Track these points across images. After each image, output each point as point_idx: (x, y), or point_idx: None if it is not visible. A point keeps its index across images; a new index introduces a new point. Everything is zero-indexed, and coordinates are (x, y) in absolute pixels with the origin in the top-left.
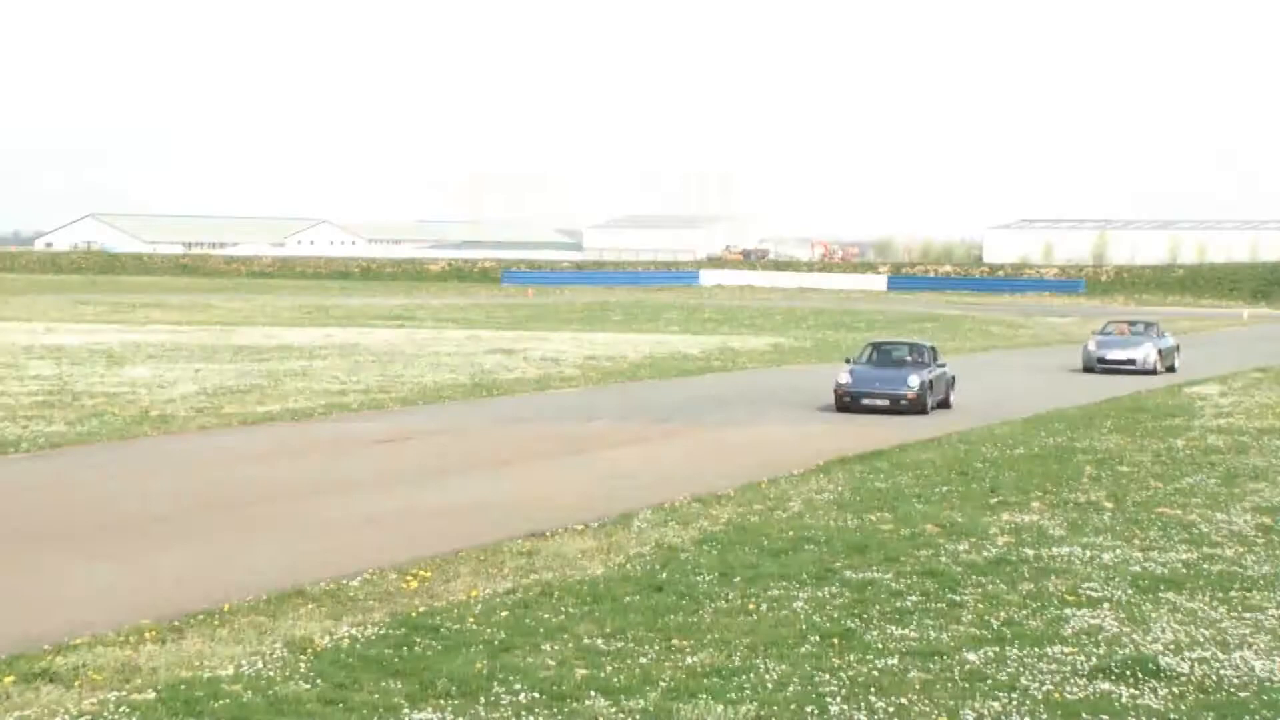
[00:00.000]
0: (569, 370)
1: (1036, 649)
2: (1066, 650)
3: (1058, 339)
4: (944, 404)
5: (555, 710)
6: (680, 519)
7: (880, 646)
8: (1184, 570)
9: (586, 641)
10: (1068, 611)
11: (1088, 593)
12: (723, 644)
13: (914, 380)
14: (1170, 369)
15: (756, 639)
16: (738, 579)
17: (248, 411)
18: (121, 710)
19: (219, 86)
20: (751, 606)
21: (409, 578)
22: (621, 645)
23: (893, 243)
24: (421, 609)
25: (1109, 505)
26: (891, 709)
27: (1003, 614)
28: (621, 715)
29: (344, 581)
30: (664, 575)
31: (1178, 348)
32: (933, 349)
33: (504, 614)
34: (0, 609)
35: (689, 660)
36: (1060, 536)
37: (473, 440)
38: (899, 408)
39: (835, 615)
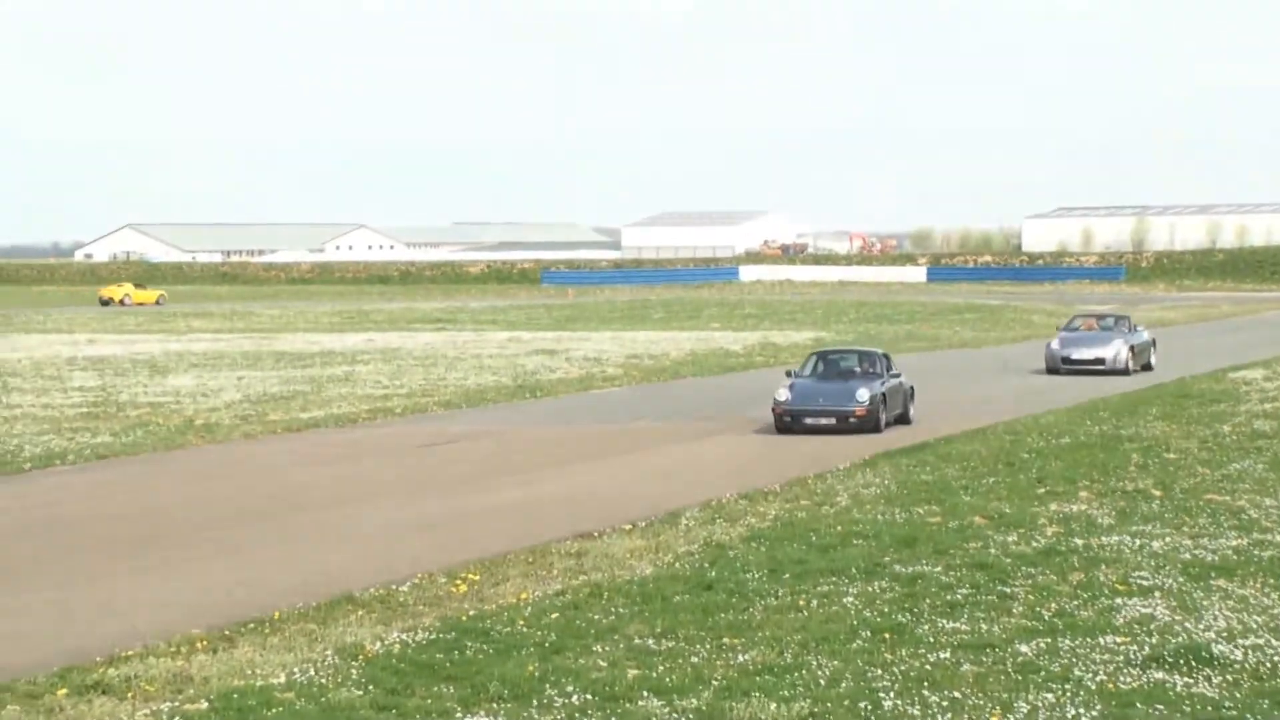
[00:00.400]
0: (611, 370)
1: (1089, 639)
2: (1119, 640)
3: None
4: (902, 419)
5: (608, 712)
6: (728, 516)
7: (932, 640)
8: (1234, 557)
9: (637, 642)
10: (1119, 601)
11: (1138, 581)
12: (774, 641)
13: (864, 394)
14: (1146, 367)
15: (807, 635)
16: (787, 575)
17: (292, 418)
18: None
19: (254, 94)
20: (801, 603)
21: (458, 581)
22: (672, 645)
23: (931, 234)
24: (471, 613)
25: (1157, 493)
26: (945, 703)
27: (1054, 605)
28: (674, 715)
29: (393, 587)
30: (713, 573)
31: (1154, 343)
32: (885, 357)
33: (554, 616)
34: (51, 621)
35: (740, 658)
36: (1109, 525)
37: (517, 442)
38: (847, 426)
39: (886, 610)
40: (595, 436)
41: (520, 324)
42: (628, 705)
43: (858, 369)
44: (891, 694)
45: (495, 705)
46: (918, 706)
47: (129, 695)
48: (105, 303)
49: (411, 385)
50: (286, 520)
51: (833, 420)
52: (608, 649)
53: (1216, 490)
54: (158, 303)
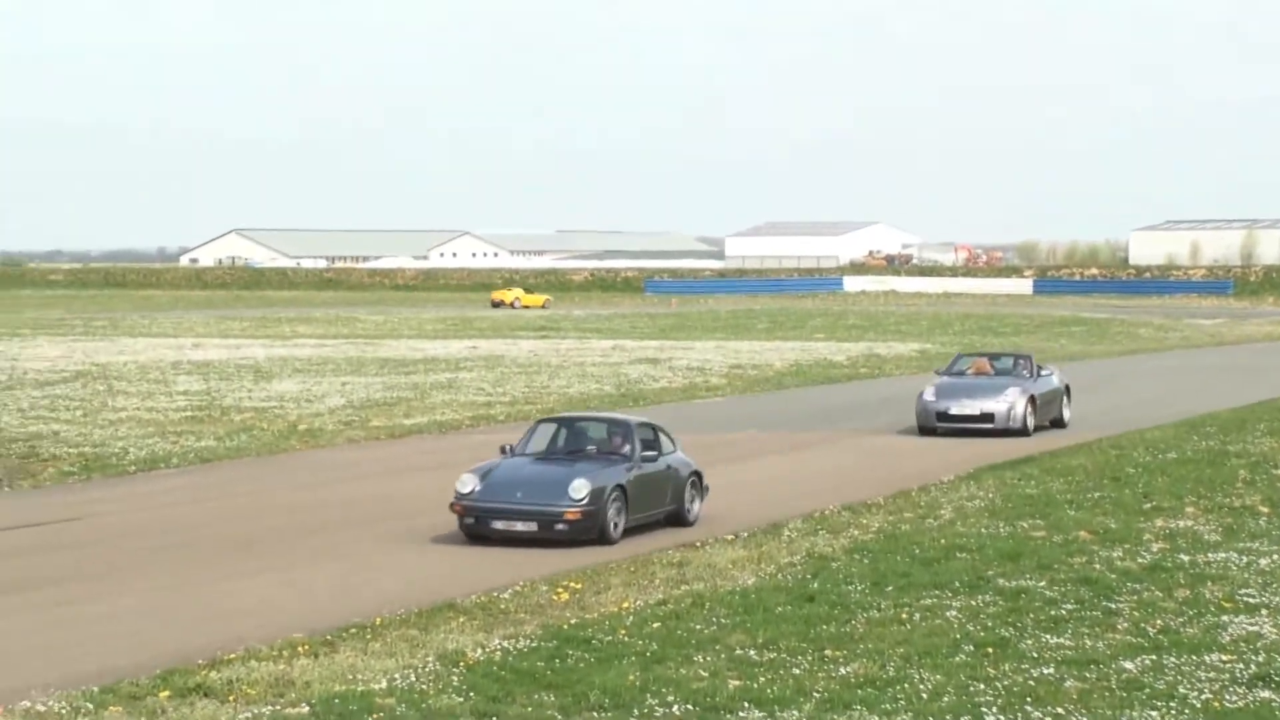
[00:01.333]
0: (715, 379)
1: (1194, 657)
2: (1225, 658)
3: (1207, 341)
4: (676, 518)
5: None
6: (830, 528)
7: (1036, 655)
8: None
9: (739, 652)
10: (1225, 618)
11: (1245, 599)
12: (876, 654)
13: (580, 487)
14: (1056, 423)
15: (910, 649)
16: (890, 588)
17: (395, 424)
18: None
19: (357, 100)
20: (904, 616)
21: (560, 590)
22: (774, 656)
23: (1036, 246)
24: (573, 621)
25: (1265, 509)
26: (1048, 718)
27: (1159, 621)
28: None
29: (494, 594)
30: (815, 585)
31: (1066, 390)
32: (653, 428)
33: (655, 625)
34: (154, 623)
35: (842, 671)
36: (1216, 542)
37: None
38: (553, 535)
39: (989, 624)
40: (697, 446)
41: (623, 332)
42: (728, 716)
43: (595, 442)
44: (994, 709)
45: (596, 714)
46: None
47: (230, 698)
48: (496, 305)
49: (514, 393)
50: (387, 526)
51: (534, 526)
52: (709, 659)
53: None
54: (544, 306)
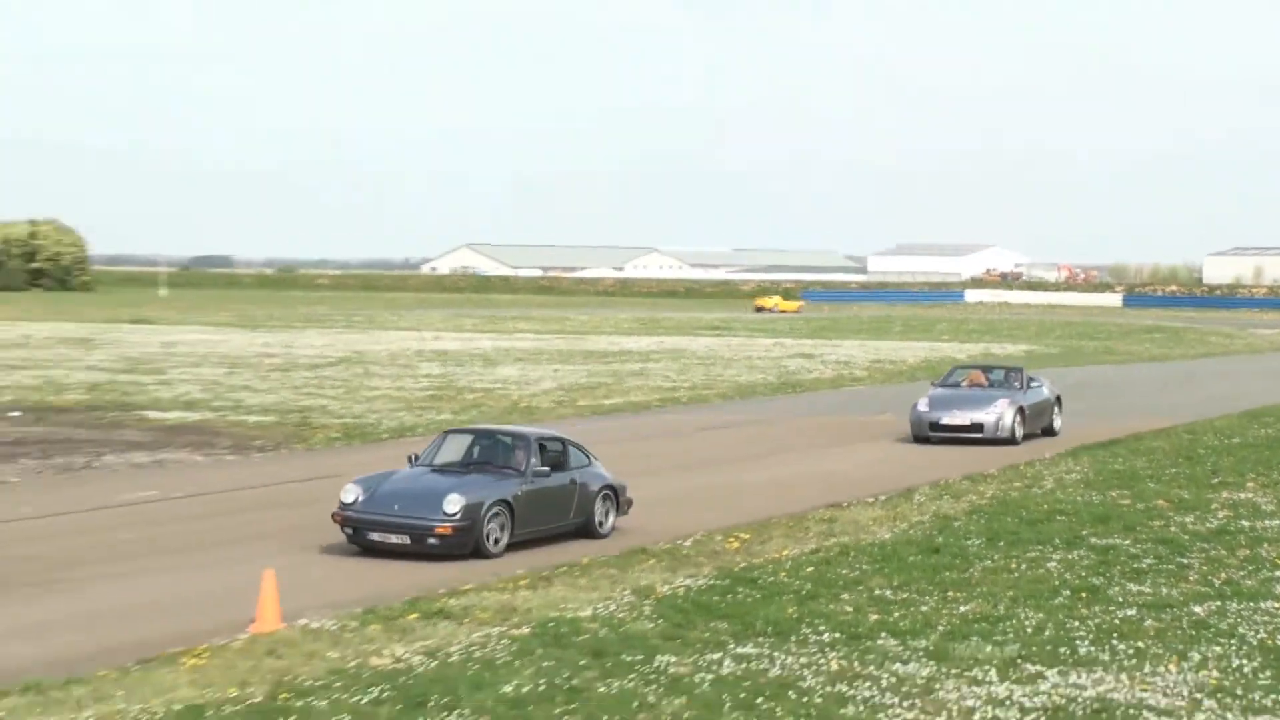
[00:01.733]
0: (858, 371)
1: (1252, 604)
2: (1277, 605)
3: (1266, 347)
4: (586, 531)
5: (853, 648)
6: (953, 494)
7: (1120, 600)
8: None
9: (877, 592)
10: (1278, 574)
11: None
12: (990, 596)
13: (454, 501)
14: (1047, 431)
15: (1018, 592)
16: (1001, 543)
17: (597, 404)
18: (503, 642)
19: (570, 133)
20: (1013, 566)
21: (731, 539)
22: (906, 596)
23: (1126, 267)
24: (742, 565)
25: None
26: (1130, 650)
27: (1223, 574)
28: (907, 652)
29: (678, 543)
30: (940, 539)
31: (1058, 400)
32: (562, 443)
33: (809, 569)
34: (404, 560)
35: (962, 609)
36: (1272, 511)
37: (780, 428)
38: (426, 549)
39: (1083, 574)
40: (844, 426)
41: (783, 332)
42: (869, 643)
43: (491, 454)
44: (1086, 642)
45: (761, 639)
46: (1107, 653)
47: (465, 620)
48: (759, 309)
49: (694, 380)
50: None
51: (406, 539)
52: (853, 597)
53: None
54: (798, 311)
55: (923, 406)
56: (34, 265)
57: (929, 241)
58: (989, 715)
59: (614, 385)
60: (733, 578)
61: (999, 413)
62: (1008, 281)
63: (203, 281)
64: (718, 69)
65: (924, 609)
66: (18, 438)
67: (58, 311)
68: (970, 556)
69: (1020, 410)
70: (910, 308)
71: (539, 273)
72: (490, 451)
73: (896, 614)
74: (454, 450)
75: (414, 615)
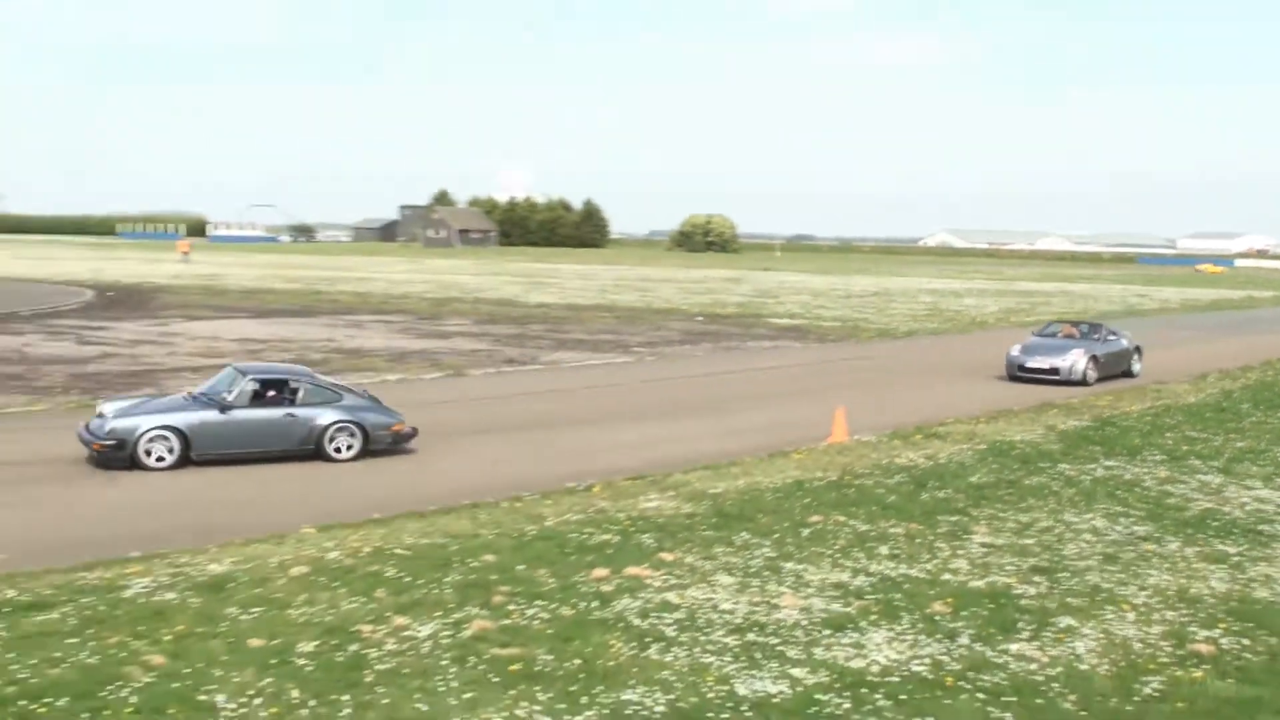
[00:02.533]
0: (1172, 304)
1: None
2: None
3: None
4: (318, 455)
5: (1173, 465)
6: (1232, 377)
7: None
8: None
9: (1188, 433)
10: None
11: None
12: (1255, 437)
13: (110, 425)
14: (1126, 374)
15: (1274, 437)
16: (1262, 406)
17: (1018, 320)
18: (969, 453)
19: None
20: (1273, 421)
21: (1104, 397)
22: (1205, 436)
23: None
24: (1108, 413)
25: None
26: None
27: None
28: (1206, 468)
29: (1070, 400)
30: (1225, 404)
31: (1137, 349)
32: (311, 381)
33: (1148, 419)
34: (900, 404)
35: (1238, 445)
36: None
37: (1185, 331)
38: (95, 459)
39: None
40: (1214, 329)
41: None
42: (1184, 464)
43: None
44: None
45: (1116, 459)
46: None
47: (946, 438)
48: (1197, 271)
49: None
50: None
51: (87, 451)
52: (1173, 436)
53: None
54: (1222, 273)
55: (1015, 352)
56: (709, 239)
57: (1216, 229)
58: (1253, 508)
59: (1028, 309)
60: (1102, 421)
61: (1072, 360)
62: (1260, 254)
63: (800, 249)
64: None
65: (1214, 443)
66: (701, 331)
67: (721, 263)
68: (1242, 414)
69: (1094, 358)
70: (1199, 272)
71: (985, 244)
72: (218, 385)
73: (1199, 446)
74: (221, 383)
75: (918, 435)
